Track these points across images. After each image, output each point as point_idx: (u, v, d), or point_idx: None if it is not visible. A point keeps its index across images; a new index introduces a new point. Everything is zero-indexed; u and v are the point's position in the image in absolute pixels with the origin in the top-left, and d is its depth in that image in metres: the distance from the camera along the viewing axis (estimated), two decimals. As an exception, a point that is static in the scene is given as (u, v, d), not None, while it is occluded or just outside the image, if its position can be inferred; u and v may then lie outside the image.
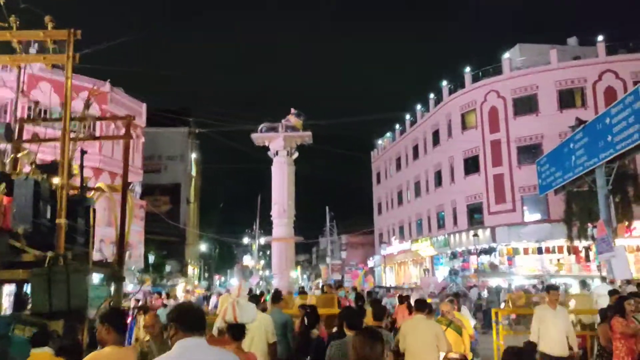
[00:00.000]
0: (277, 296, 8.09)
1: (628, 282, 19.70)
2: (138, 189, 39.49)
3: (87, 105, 10.18)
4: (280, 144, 21.36)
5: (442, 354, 5.63)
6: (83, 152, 9.31)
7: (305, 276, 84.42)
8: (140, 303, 16.13)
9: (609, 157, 18.90)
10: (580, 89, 33.78)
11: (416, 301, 7.61)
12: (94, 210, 9.17)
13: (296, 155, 22.05)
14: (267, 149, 22.18)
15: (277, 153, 21.40)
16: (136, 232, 36.83)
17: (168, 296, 18.48)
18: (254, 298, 13.82)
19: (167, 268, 45.68)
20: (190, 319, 2.94)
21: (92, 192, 10.31)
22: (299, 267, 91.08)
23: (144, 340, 5.77)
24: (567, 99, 34.12)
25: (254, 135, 21.70)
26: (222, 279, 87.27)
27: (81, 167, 9.22)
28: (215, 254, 78.41)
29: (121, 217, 9.28)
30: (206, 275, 71.99)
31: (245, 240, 65.95)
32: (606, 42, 33.91)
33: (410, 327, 6.47)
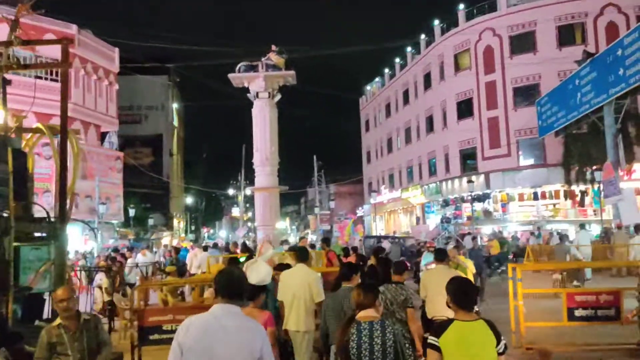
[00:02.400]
0: (304, 254, 6.64)
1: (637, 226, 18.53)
2: (114, 139, 37.49)
3: (14, 26, 8.15)
4: (261, 84, 19.41)
5: None
6: (5, 81, 7.47)
7: (294, 227, 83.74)
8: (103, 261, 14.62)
9: (620, 92, 17.34)
10: (581, 25, 31.79)
11: (436, 251, 7.66)
12: (24, 154, 7.51)
13: (279, 97, 20.16)
14: (247, 91, 20.21)
15: (257, 95, 19.48)
16: (114, 185, 35.11)
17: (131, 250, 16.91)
18: (247, 249, 12.43)
19: (151, 221, 44.16)
20: (221, 285, 3.03)
21: (30, 136, 8.54)
22: (287, 219, 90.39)
23: (52, 327, 4.17)
24: (567, 35, 32.16)
25: (231, 76, 19.70)
26: (211, 231, 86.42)
27: (3, 98, 7.41)
28: (201, 207, 77.10)
29: (61, 163, 7.52)
30: (193, 228, 70.78)
31: (231, 191, 64.45)
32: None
33: (432, 276, 6.74)
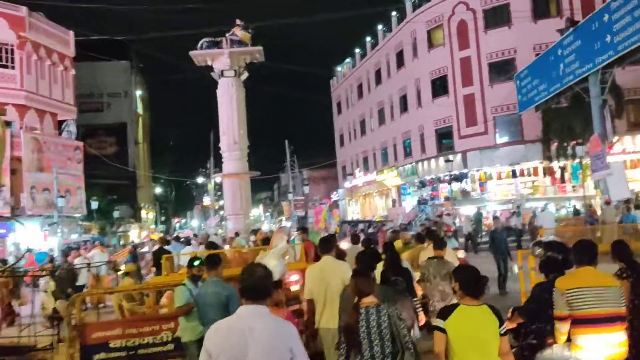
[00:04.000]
0: (328, 244, 5.93)
1: (627, 202, 17.78)
2: (72, 128, 35.32)
3: None
4: (226, 62, 17.90)
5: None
6: None
7: (267, 214, 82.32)
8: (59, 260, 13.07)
9: (608, 60, 16.38)
10: (556, -4, 30.95)
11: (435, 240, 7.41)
12: None
13: (246, 75, 18.69)
14: (211, 69, 18.66)
15: (222, 73, 17.98)
16: (74, 177, 33.11)
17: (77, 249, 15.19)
18: (213, 245, 11.02)
19: (116, 214, 42.19)
20: (244, 285, 2.94)
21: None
22: (260, 206, 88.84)
23: None
24: (542, 7, 31.32)
25: (193, 53, 18.12)
26: (183, 221, 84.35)
27: None
28: (171, 196, 74.98)
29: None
30: (163, 219, 68.73)
31: (200, 179, 62.58)
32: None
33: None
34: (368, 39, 45.37)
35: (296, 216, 40.27)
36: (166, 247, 11.40)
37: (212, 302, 5.27)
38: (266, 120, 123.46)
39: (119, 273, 12.70)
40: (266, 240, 9.43)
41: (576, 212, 26.39)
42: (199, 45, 18.44)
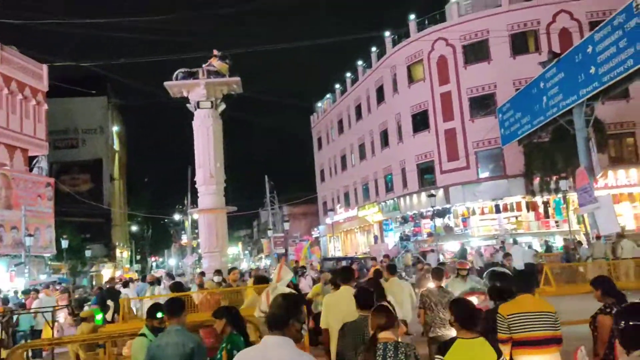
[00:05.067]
0: (348, 274, 6.06)
1: (620, 235, 17.26)
2: (44, 164, 34.13)
3: None
4: (202, 93, 17.26)
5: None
6: None
7: (247, 252, 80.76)
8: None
9: (593, 91, 16.12)
10: (534, 32, 31.25)
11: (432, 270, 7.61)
12: None
13: (223, 107, 18.06)
14: (187, 101, 17.98)
15: (198, 105, 17.30)
16: (44, 214, 31.74)
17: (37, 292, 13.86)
18: (179, 287, 10.04)
19: (89, 253, 40.58)
20: (269, 318, 2.97)
21: None
22: (239, 243, 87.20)
23: None
24: (520, 43, 31.54)
25: (168, 84, 17.44)
26: (160, 260, 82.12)
27: None
28: (148, 234, 73.10)
29: None
30: (138, 257, 66.71)
31: (177, 216, 61.12)
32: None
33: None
34: (348, 74, 45.41)
35: (276, 254, 39.15)
36: (125, 289, 10.37)
37: (173, 354, 4.40)
38: (245, 155, 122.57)
39: (76, 318, 11.59)
40: (262, 279, 8.65)
41: (548, 249, 25.98)
42: (174, 75, 17.81)
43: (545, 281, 15.89)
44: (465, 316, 3.65)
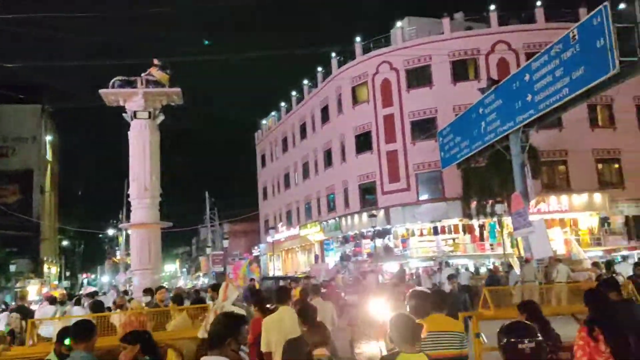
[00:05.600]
0: (284, 294, 6.04)
1: (557, 260, 17.68)
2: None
3: None
4: (140, 102, 16.59)
5: None
6: None
7: (184, 269, 78.55)
8: None
9: (529, 118, 16.65)
10: (474, 61, 32.35)
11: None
12: None
13: (162, 118, 17.39)
14: (123, 110, 17.22)
15: (135, 115, 16.57)
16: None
17: None
18: (99, 307, 9.33)
19: (13, 268, 38.13)
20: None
21: None
22: (177, 261, 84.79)
23: None
24: (461, 70, 32.55)
25: (103, 92, 16.66)
26: (92, 277, 78.46)
27: None
28: (80, 250, 69.84)
29: None
30: (68, 274, 63.46)
31: (111, 231, 58.70)
32: (498, 12, 32.76)
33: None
34: (293, 93, 45.40)
35: (214, 272, 38.13)
36: (50, 307, 9.57)
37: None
38: (186, 170, 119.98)
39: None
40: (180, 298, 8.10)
41: (476, 271, 26.62)
42: (111, 83, 17.06)
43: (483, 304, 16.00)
44: (407, 331, 3.54)
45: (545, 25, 31.31)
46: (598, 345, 4.31)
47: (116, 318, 7.27)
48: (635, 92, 29.97)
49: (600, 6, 13.43)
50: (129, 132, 16.96)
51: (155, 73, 17.19)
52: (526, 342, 2.84)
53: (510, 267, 23.63)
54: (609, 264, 12.94)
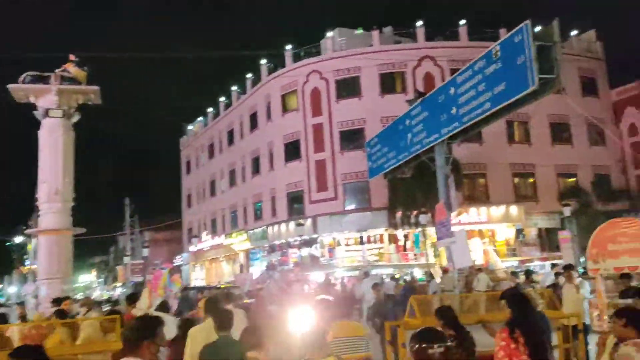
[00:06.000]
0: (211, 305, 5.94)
1: (478, 269, 18.11)
2: None
3: None
4: (53, 100, 15.48)
5: None
6: None
7: (101, 280, 74.82)
8: None
9: (453, 131, 17.05)
10: (401, 74, 33.07)
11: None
12: None
13: (77, 118, 16.31)
14: (34, 107, 16.00)
15: (47, 113, 15.44)
16: None
17: None
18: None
19: None
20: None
21: None
22: (93, 270, 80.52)
23: None
24: (389, 83, 33.17)
25: (12, 87, 15.44)
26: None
27: None
28: (-18, 258, 64.73)
29: None
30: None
31: (18, 238, 54.88)
32: (425, 28, 33.75)
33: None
34: (222, 98, 44.51)
35: (132, 282, 36.41)
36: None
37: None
38: (105, 175, 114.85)
39: None
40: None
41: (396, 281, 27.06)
42: (21, 78, 15.82)
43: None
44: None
45: (468, 43, 32.57)
46: (518, 347, 4.45)
47: (15, 331, 6.54)
48: (549, 111, 31.68)
49: (522, 24, 13.98)
50: (39, 132, 15.76)
51: (72, 69, 16.13)
52: (435, 347, 3.01)
53: (431, 276, 24.12)
54: (528, 274, 13.34)
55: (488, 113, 15.27)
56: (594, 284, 15.27)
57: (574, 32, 34.85)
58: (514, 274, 14.60)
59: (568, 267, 11.48)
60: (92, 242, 45.19)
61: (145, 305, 6.38)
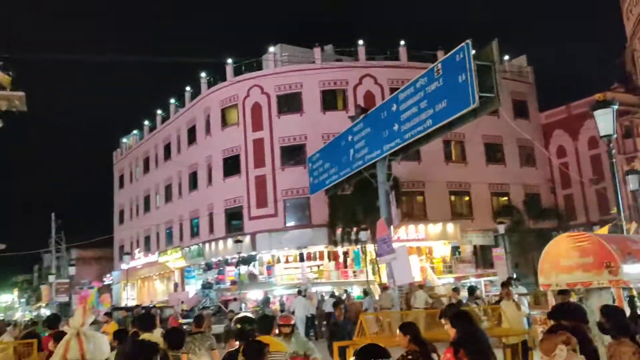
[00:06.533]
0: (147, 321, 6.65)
1: (420, 286, 18.06)
2: None
3: None
4: (-28, 104, 14.20)
5: None
6: None
7: (23, 299, 70.24)
8: None
9: (395, 147, 17.10)
10: (342, 91, 33.27)
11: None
12: None
13: (0, 125, 15.08)
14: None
15: (-36, 118, 14.15)
16: None
17: None
18: None
19: None
20: None
21: None
22: (15, 290, 75.58)
23: None
24: (330, 100, 33.27)
25: None
26: None
27: None
28: None
29: None
30: None
31: None
32: (365, 47, 34.18)
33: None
34: (159, 111, 43.20)
35: (57, 302, 34.24)
36: None
37: None
38: (30, 188, 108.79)
39: None
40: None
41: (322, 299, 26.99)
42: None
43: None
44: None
45: (408, 63, 33.25)
46: None
47: None
48: (484, 131, 32.70)
49: (463, 43, 14.25)
50: (-45, 138, 14.46)
51: (-6, 72, 14.98)
52: None
53: (365, 293, 24.07)
54: (472, 290, 13.35)
55: (429, 130, 15.41)
56: (530, 300, 15.56)
57: (506, 57, 36.36)
58: (456, 290, 14.59)
59: (506, 284, 11.27)
60: (14, 260, 42.33)
61: (78, 324, 5.79)
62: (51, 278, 36.28)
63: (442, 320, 5.96)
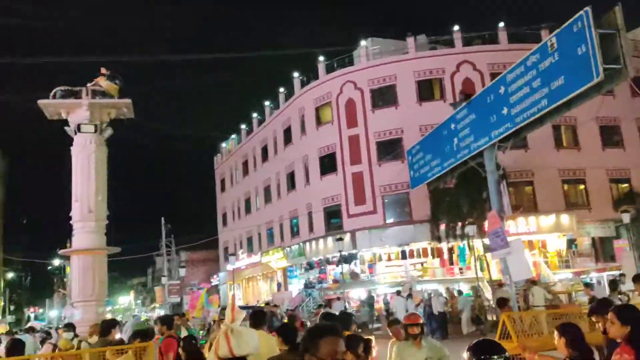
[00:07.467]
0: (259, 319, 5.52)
1: (533, 282, 16.74)
2: None
3: None
4: (84, 115, 14.98)
5: None
6: None
7: (139, 301, 74.95)
8: None
9: (505, 132, 15.79)
10: (439, 80, 31.87)
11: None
12: None
13: (110, 132, 15.75)
14: (66, 123, 15.52)
15: (79, 128, 14.91)
16: None
17: None
18: (15, 347, 7.59)
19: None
20: None
21: None
22: (131, 292, 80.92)
23: None
24: (426, 90, 32.01)
25: (43, 102, 15.01)
26: (39, 310, 73.92)
27: None
28: (26, 282, 65.72)
29: None
30: (12, 308, 59.36)
31: (57, 261, 55.33)
32: (462, 33, 32.54)
33: None
34: (255, 114, 44.07)
35: (170, 303, 35.84)
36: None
37: None
38: (141, 193, 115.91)
39: None
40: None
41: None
42: (52, 94, 15.36)
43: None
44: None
45: (509, 45, 31.20)
46: None
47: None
48: (598, 113, 29.92)
49: (581, 11, 12.77)
50: (72, 148, 15.24)
51: (103, 83, 15.62)
52: (495, 357, 2.85)
53: (476, 291, 22.80)
54: (614, 284, 11.84)
55: (545, 111, 14.00)
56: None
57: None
58: (588, 285, 13.10)
59: (638, 278, 9.79)
60: (130, 264, 45.08)
61: (228, 321, 5.69)
62: (163, 280, 38.11)
63: (594, 318, 5.12)
